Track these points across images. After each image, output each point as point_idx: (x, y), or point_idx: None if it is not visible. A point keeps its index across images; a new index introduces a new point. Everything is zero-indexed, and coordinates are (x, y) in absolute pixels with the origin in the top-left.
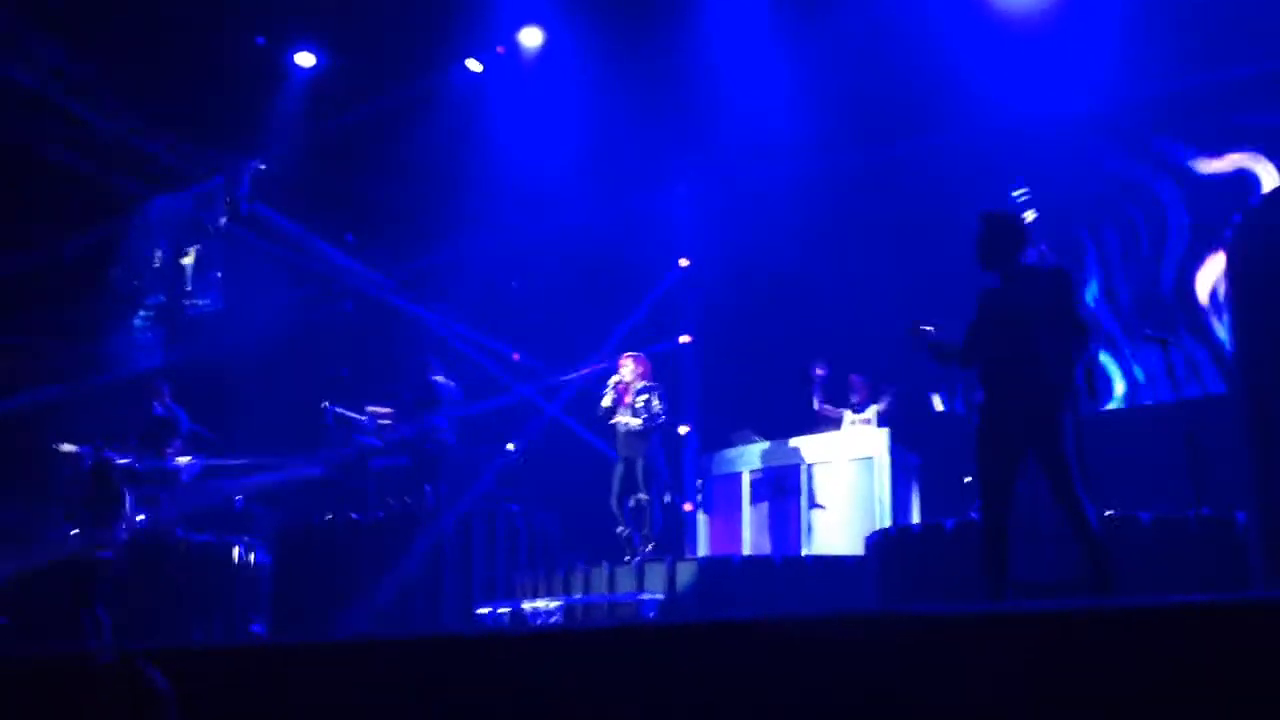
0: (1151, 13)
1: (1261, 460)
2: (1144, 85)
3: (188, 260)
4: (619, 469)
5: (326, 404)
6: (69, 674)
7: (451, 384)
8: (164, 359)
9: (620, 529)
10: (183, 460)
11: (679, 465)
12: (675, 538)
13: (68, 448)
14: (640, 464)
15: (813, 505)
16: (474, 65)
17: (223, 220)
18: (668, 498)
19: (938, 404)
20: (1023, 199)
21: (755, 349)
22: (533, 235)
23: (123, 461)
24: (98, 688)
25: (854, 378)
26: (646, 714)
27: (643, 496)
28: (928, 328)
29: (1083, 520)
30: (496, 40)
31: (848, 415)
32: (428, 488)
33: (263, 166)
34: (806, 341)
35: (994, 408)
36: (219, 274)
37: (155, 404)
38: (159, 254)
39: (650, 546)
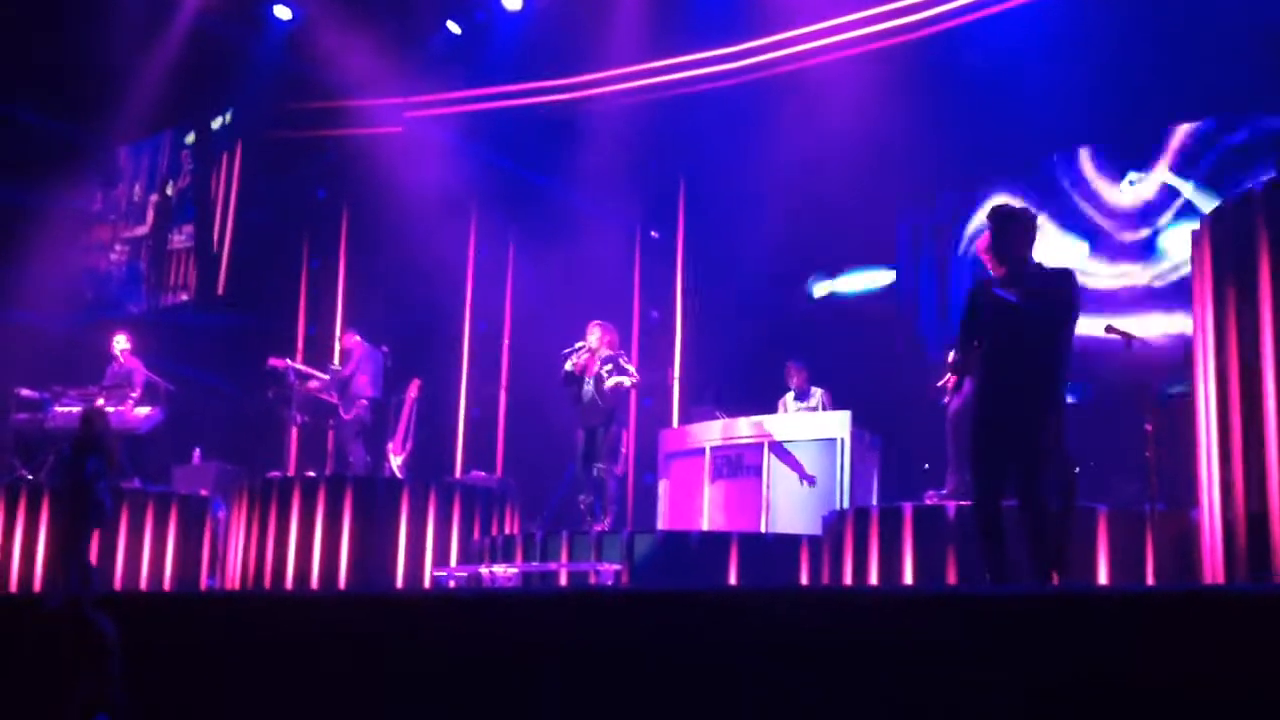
0: None
1: (1222, 456)
2: None
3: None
4: (582, 437)
5: (287, 361)
6: (19, 616)
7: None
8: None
9: (583, 497)
10: (141, 411)
11: (643, 438)
12: (636, 511)
13: (27, 392)
14: (601, 434)
15: (806, 478)
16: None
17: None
18: (621, 469)
19: None
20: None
21: (727, 325)
22: None
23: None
24: (47, 629)
25: (790, 364)
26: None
27: (601, 466)
28: None
29: (1039, 521)
30: None
31: (790, 401)
32: (357, 449)
33: None
34: (781, 319)
35: (989, 396)
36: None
37: (116, 353)
38: (137, 189)
39: (607, 518)
